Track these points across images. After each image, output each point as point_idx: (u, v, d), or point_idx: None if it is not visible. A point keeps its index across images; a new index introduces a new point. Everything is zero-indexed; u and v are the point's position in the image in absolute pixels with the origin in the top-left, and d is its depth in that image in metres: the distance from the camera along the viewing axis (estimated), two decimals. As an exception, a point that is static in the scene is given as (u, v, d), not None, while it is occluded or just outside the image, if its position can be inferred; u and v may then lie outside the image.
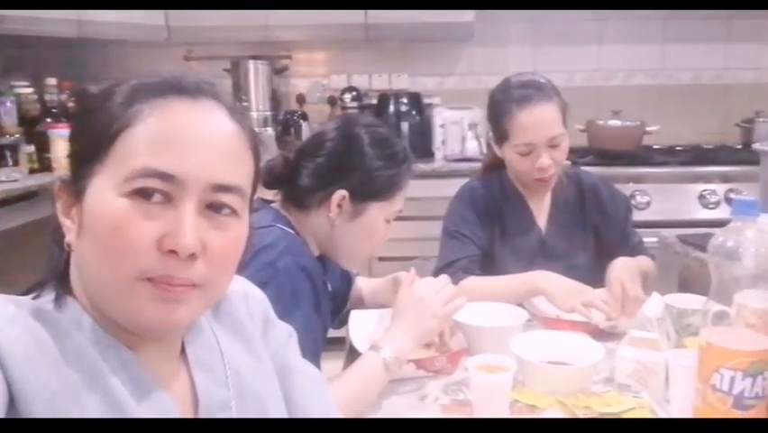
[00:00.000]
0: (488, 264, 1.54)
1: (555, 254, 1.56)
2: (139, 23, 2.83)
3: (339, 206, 1.15)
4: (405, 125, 3.02)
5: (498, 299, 1.34)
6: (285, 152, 1.20)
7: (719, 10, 2.89)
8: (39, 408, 0.52)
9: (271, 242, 1.08)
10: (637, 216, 2.47)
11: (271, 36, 2.97)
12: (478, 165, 1.82)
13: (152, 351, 0.64)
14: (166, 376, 0.65)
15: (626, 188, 2.55)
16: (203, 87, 0.64)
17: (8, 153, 2.44)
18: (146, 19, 2.83)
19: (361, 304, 1.43)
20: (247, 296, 0.78)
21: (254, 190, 0.69)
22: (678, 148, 3.03)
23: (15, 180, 2.37)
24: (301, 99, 3.19)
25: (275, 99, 3.17)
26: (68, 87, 2.83)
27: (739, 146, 3.07)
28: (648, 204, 2.63)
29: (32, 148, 2.57)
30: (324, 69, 3.29)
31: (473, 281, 1.45)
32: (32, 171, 2.54)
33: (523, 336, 1.18)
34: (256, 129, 0.70)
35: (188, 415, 0.66)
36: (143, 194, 0.58)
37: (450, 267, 1.48)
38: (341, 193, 1.14)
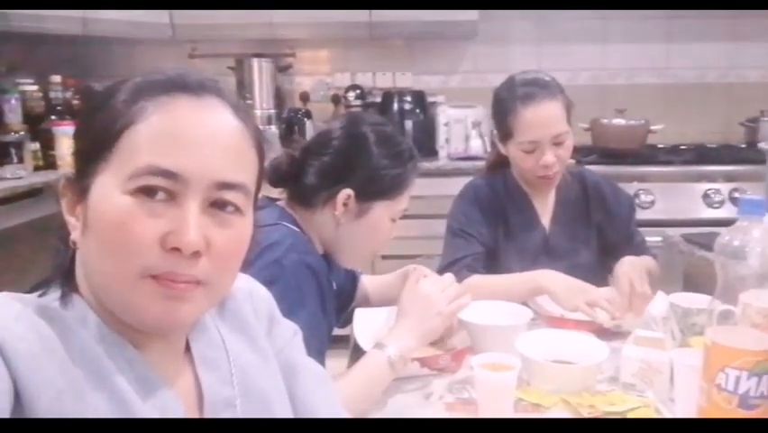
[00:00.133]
0: (491, 263, 1.55)
1: (559, 253, 1.56)
2: (143, 21, 2.83)
3: (344, 204, 1.15)
4: (409, 124, 3.02)
5: (502, 298, 1.35)
6: (290, 150, 1.20)
7: (722, 24, 2.89)
8: (44, 405, 0.53)
9: (277, 240, 1.08)
10: (641, 214, 2.47)
11: (275, 34, 2.97)
12: (482, 163, 1.83)
13: (157, 349, 0.64)
14: (171, 374, 0.65)
15: (630, 187, 2.54)
16: (207, 84, 0.64)
17: (13, 151, 2.45)
18: (151, 17, 2.83)
19: (366, 302, 1.43)
20: (252, 294, 0.78)
21: (258, 188, 0.69)
22: (682, 147, 3.03)
23: (20, 178, 2.37)
24: (305, 97, 3.19)
25: (279, 97, 3.18)
26: (72, 84, 2.84)
27: (743, 145, 3.07)
28: (652, 203, 2.63)
29: (36, 145, 2.58)
30: (328, 67, 3.29)
31: (477, 280, 1.45)
32: (36, 169, 2.54)
33: (527, 334, 1.18)
34: (260, 127, 0.70)
35: (193, 413, 0.66)
36: (147, 192, 0.58)
37: (454, 265, 1.48)
38: (346, 192, 1.14)
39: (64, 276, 0.63)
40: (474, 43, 3.20)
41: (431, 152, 2.98)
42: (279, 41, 3.12)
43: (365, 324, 1.27)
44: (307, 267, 1.08)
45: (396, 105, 3.08)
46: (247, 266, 0.69)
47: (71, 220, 0.63)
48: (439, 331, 1.14)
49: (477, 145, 2.94)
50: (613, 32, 3.23)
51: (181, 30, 2.93)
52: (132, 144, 0.59)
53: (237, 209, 0.63)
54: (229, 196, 0.62)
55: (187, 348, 0.69)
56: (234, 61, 3.09)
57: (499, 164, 1.64)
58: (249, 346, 0.74)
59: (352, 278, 1.42)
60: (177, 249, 0.58)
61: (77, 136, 0.64)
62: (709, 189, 2.64)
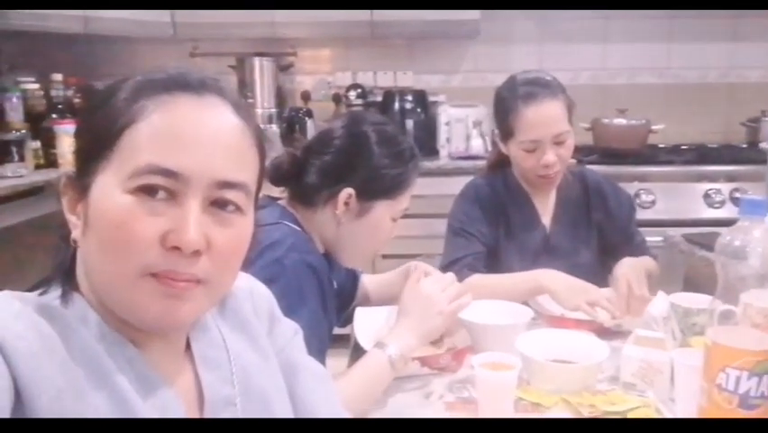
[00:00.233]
0: (492, 262, 1.55)
1: (560, 252, 1.56)
2: (145, 20, 2.83)
3: (346, 204, 1.15)
4: (410, 123, 3.02)
5: (503, 297, 1.35)
6: (292, 149, 1.20)
7: (723, 24, 2.89)
8: (45, 404, 0.53)
9: (278, 239, 1.08)
10: (642, 214, 2.47)
11: (277, 33, 2.97)
12: (482, 163, 1.83)
13: (157, 348, 0.64)
14: (171, 373, 0.65)
15: (631, 187, 2.54)
16: (207, 83, 0.64)
17: (14, 149, 2.45)
18: (152, 15, 2.83)
19: (367, 301, 1.43)
20: (252, 293, 0.78)
21: (259, 187, 0.69)
22: (683, 147, 3.03)
23: (21, 176, 2.37)
24: (306, 96, 3.19)
25: (280, 96, 3.18)
26: (74, 83, 2.84)
27: (744, 145, 3.07)
28: (653, 203, 2.63)
29: (37, 144, 2.58)
30: (330, 67, 3.29)
31: (478, 279, 1.45)
32: (37, 167, 2.54)
33: (528, 334, 1.18)
34: (261, 126, 0.70)
35: (193, 412, 0.66)
36: (148, 191, 0.58)
37: (455, 264, 1.49)
38: (348, 191, 1.14)
39: (65, 275, 0.63)
40: (476, 43, 3.20)
41: (432, 151, 2.98)
42: (281, 40, 3.12)
43: (365, 323, 1.27)
44: (308, 266, 1.08)
45: (397, 105, 3.08)
46: (248, 265, 0.69)
47: (72, 219, 0.63)
48: (440, 330, 1.15)
49: (478, 145, 2.93)
50: (614, 32, 3.23)
51: (182, 28, 2.93)
52: (133, 143, 0.59)
53: (238, 208, 0.63)
54: (230, 195, 0.62)
55: (188, 347, 0.69)
56: (236, 60, 3.09)
57: (500, 164, 1.65)
58: (249, 345, 0.74)
59: (353, 277, 1.43)
60: (177, 248, 0.58)
61: (78, 135, 0.64)
62: (710, 189, 2.64)
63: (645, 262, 1.52)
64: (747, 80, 3.24)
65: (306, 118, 3.07)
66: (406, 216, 1.24)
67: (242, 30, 2.94)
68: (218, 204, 0.62)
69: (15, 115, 2.56)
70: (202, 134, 0.61)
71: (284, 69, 3.20)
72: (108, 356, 0.59)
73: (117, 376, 0.59)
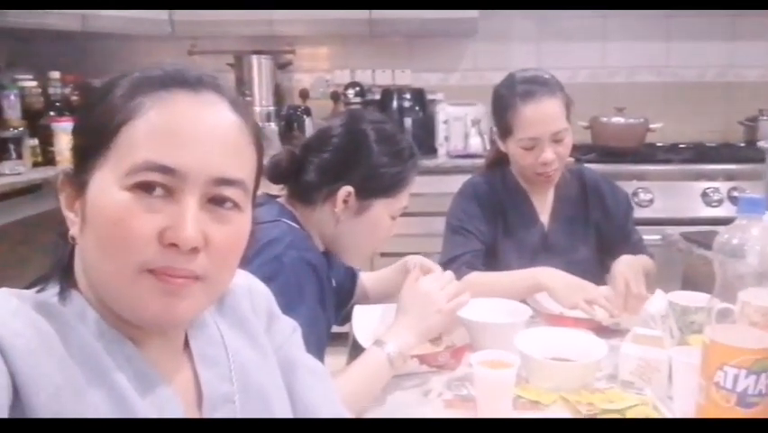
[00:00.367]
0: (490, 259, 1.55)
1: (558, 250, 1.56)
2: (143, 17, 2.83)
3: (345, 201, 1.15)
4: (408, 121, 3.02)
5: (501, 295, 1.35)
6: (290, 147, 1.20)
7: (722, 22, 2.89)
8: (43, 401, 0.53)
9: (277, 236, 1.08)
10: (640, 213, 2.47)
11: (275, 31, 2.97)
12: (481, 161, 1.83)
13: (156, 345, 0.64)
14: (169, 371, 0.65)
15: (629, 186, 2.55)
16: (205, 79, 0.63)
17: (12, 146, 2.44)
18: (150, 13, 2.83)
19: (365, 299, 1.43)
20: (251, 290, 0.78)
21: (257, 184, 0.69)
22: (681, 145, 3.03)
23: (19, 174, 2.37)
24: (304, 94, 3.19)
25: (278, 94, 3.17)
26: (71, 80, 2.83)
27: (743, 144, 3.07)
28: (651, 201, 2.63)
29: (35, 141, 2.57)
30: (328, 65, 3.29)
31: (476, 277, 1.45)
32: (35, 165, 2.54)
33: (526, 332, 1.19)
34: (259, 124, 0.70)
35: (192, 409, 0.66)
36: (145, 187, 0.58)
37: (453, 262, 1.49)
38: (346, 189, 1.14)
39: (63, 272, 0.63)
40: (474, 41, 3.20)
41: (430, 149, 2.98)
42: (279, 38, 3.11)
43: (364, 321, 1.27)
44: (307, 264, 1.08)
45: (395, 103, 3.08)
46: (246, 263, 0.69)
47: (70, 216, 0.62)
48: (439, 328, 1.15)
49: (476, 143, 2.94)
50: (613, 31, 3.23)
51: (181, 26, 2.93)
52: (130, 140, 0.59)
53: (235, 205, 0.63)
54: (227, 192, 0.62)
55: (186, 345, 0.69)
56: (234, 58, 3.09)
57: (498, 162, 1.65)
58: (248, 343, 0.74)
59: (352, 275, 1.43)
60: (175, 245, 0.58)
61: (76, 132, 0.64)
62: (708, 188, 2.64)
63: (643, 260, 1.52)
64: (745, 79, 3.24)
65: (305, 116, 3.07)
66: (404, 215, 1.24)
67: (240, 28, 2.94)
68: (216, 201, 0.61)
69: (13, 112, 2.56)
70: (199, 131, 0.60)
71: (282, 66, 3.20)
72: (107, 354, 0.59)
73: (116, 374, 0.59)
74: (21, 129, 2.51)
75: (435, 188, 2.26)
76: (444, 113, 3.00)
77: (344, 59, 3.27)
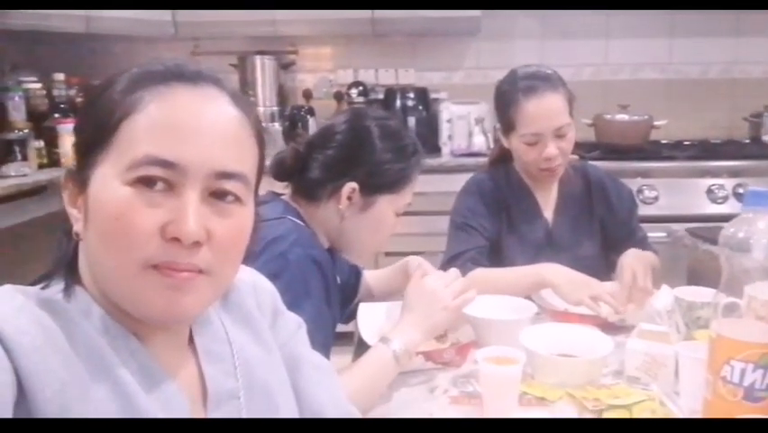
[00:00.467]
0: (495, 255, 1.55)
1: (562, 245, 1.56)
2: (146, 19, 2.83)
3: (349, 198, 1.15)
4: (411, 120, 3.02)
5: (506, 291, 1.35)
6: (295, 144, 1.20)
7: (726, 19, 2.88)
8: (48, 397, 0.53)
9: (282, 233, 1.08)
10: (645, 210, 2.46)
11: (278, 31, 2.97)
12: (485, 160, 1.83)
13: (161, 341, 0.64)
14: (174, 366, 0.65)
15: (634, 183, 2.54)
16: (204, 74, 0.64)
17: (17, 148, 2.46)
18: (153, 14, 2.83)
19: (370, 296, 1.43)
20: (255, 287, 0.78)
21: (259, 178, 0.68)
22: (686, 142, 3.02)
23: (24, 175, 2.38)
24: (308, 94, 3.19)
25: (282, 94, 3.18)
26: (76, 82, 2.84)
27: (747, 140, 3.06)
28: (656, 198, 2.63)
29: (40, 143, 2.58)
30: (331, 64, 3.29)
31: (480, 273, 1.45)
32: (40, 166, 2.55)
33: (532, 328, 1.18)
34: (262, 123, 0.69)
35: (197, 405, 0.66)
36: (146, 182, 0.58)
37: (457, 259, 1.49)
38: (351, 185, 1.14)
39: (67, 268, 0.63)
40: (477, 39, 3.20)
41: (434, 148, 2.98)
42: (282, 39, 3.12)
43: (369, 318, 1.27)
44: (312, 261, 1.08)
45: (398, 102, 3.08)
46: (252, 260, 0.69)
47: (73, 212, 0.62)
48: (444, 326, 1.15)
49: (480, 142, 2.93)
50: (616, 28, 3.22)
51: (184, 27, 2.93)
52: (131, 135, 0.59)
53: (237, 199, 0.62)
54: (228, 185, 0.61)
55: (191, 341, 0.69)
56: (237, 59, 3.09)
57: (502, 159, 1.65)
58: (253, 339, 0.74)
59: (356, 272, 1.43)
60: (177, 239, 0.58)
61: (77, 128, 0.64)
62: (713, 185, 2.63)
63: (648, 256, 1.52)
64: (750, 75, 3.23)
65: (308, 116, 3.07)
66: (408, 214, 1.24)
67: (243, 28, 2.95)
68: (217, 195, 0.61)
69: (18, 114, 2.57)
70: (199, 125, 0.60)
71: (285, 67, 3.20)
72: (111, 349, 0.59)
73: (120, 369, 0.59)
74: (26, 131, 2.52)
75: (439, 186, 2.25)
76: (448, 111, 2.99)
77: (347, 58, 3.27)
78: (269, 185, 1.21)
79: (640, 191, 2.60)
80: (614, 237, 1.61)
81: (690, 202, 2.63)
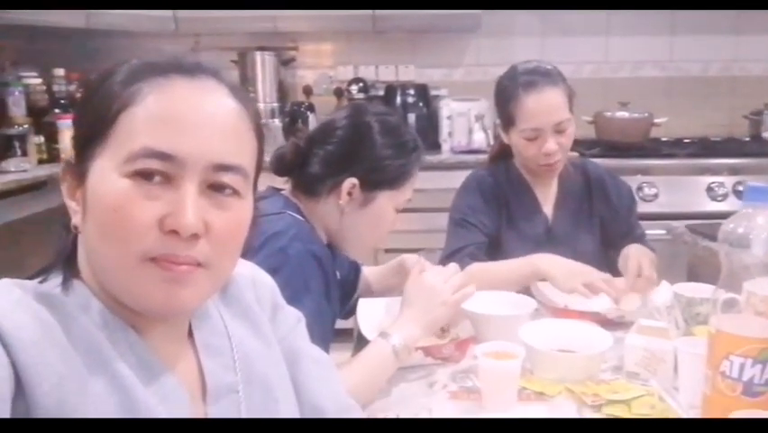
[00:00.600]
0: (494, 251, 1.55)
1: (562, 240, 1.56)
2: (146, 14, 2.83)
3: (349, 193, 1.15)
4: (412, 117, 3.02)
5: (501, 283, 1.35)
6: (295, 139, 1.20)
7: (726, 17, 2.88)
8: (46, 391, 0.53)
9: (282, 228, 1.08)
10: (645, 207, 2.47)
11: (278, 27, 2.97)
12: (485, 157, 1.83)
13: (160, 334, 0.64)
14: (173, 360, 0.65)
15: (634, 180, 2.54)
16: (203, 66, 0.63)
17: (17, 144, 2.45)
18: (154, 10, 2.83)
19: (368, 293, 1.43)
20: (255, 281, 0.78)
21: (258, 172, 0.68)
22: (686, 140, 3.02)
23: (24, 171, 2.38)
24: (308, 91, 3.19)
25: (282, 91, 3.18)
26: (76, 77, 2.84)
27: (747, 138, 3.06)
28: (656, 196, 2.63)
29: (40, 139, 2.58)
30: (331, 61, 3.29)
31: (476, 267, 1.44)
32: (40, 162, 2.54)
33: (531, 324, 1.19)
34: (263, 121, 0.69)
35: (196, 399, 0.66)
36: (144, 175, 0.58)
37: (456, 255, 1.49)
38: (351, 181, 1.14)
39: (66, 262, 0.63)
40: (477, 36, 3.20)
41: (434, 145, 2.98)
42: (282, 35, 3.11)
43: (369, 313, 1.27)
44: (312, 256, 1.08)
45: (399, 99, 3.08)
46: (252, 254, 0.69)
47: (72, 205, 0.62)
48: (443, 320, 1.15)
49: (480, 138, 2.93)
50: (616, 25, 3.22)
51: (184, 23, 2.93)
52: (129, 127, 0.59)
53: (235, 192, 0.62)
54: (226, 178, 0.61)
55: (190, 334, 0.69)
56: (237, 55, 3.09)
57: (502, 155, 1.65)
58: (252, 333, 0.74)
59: (356, 268, 1.43)
60: (175, 232, 0.58)
61: (76, 121, 0.64)
62: (713, 183, 2.63)
63: (649, 252, 1.52)
64: (750, 73, 3.23)
65: (308, 113, 3.07)
66: (408, 211, 1.24)
67: (243, 24, 2.94)
68: (215, 187, 0.61)
69: (18, 109, 2.56)
70: (198, 117, 0.60)
71: (286, 63, 3.20)
72: (110, 343, 0.59)
73: (118, 363, 0.59)
74: (26, 126, 2.51)
75: (439, 183, 2.26)
76: (448, 108, 2.99)
77: (348, 55, 3.26)
78: (270, 180, 1.21)
79: (640, 189, 2.60)
80: (613, 234, 1.61)
81: (690, 200, 2.63)
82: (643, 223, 1.71)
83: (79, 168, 0.61)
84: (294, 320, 0.81)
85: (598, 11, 3.11)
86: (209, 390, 0.67)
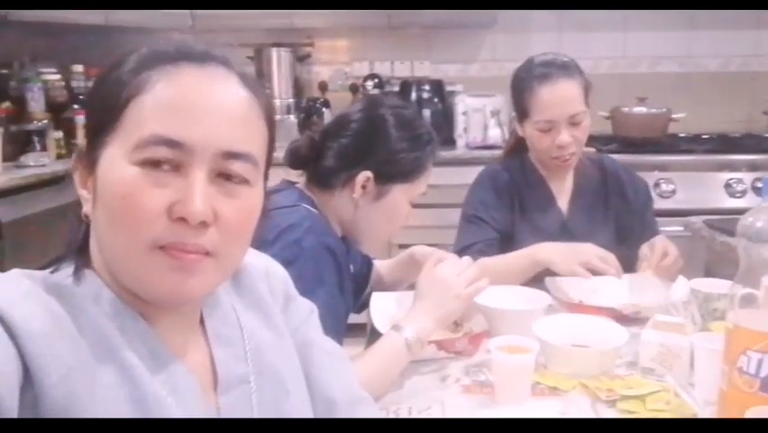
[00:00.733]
0: (508, 246, 1.53)
1: (576, 235, 1.54)
2: (164, 11, 2.85)
3: (363, 187, 1.15)
4: (427, 113, 3.02)
5: (504, 276, 1.33)
6: (310, 132, 1.21)
7: (746, 10, 2.84)
8: (54, 383, 0.52)
9: (296, 221, 1.09)
10: (662, 204, 2.44)
11: (294, 23, 2.98)
12: (500, 153, 1.82)
13: (170, 324, 0.64)
14: (184, 349, 0.65)
15: (651, 176, 2.52)
16: (213, 53, 0.63)
17: (36, 139, 2.49)
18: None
19: (381, 285, 1.43)
20: (268, 272, 0.78)
21: (269, 160, 0.68)
22: (704, 136, 2.98)
23: (43, 165, 2.41)
24: (323, 87, 3.20)
25: (297, 87, 3.19)
26: (94, 73, 2.87)
27: (766, 134, 3.01)
28: (673, 192, 2.60)
29: (59, 134, 2.61)
30: (347, 57, 3.29)
31: (482, 262, 1.44)
32: (59, 157, 2.58)
33: (545, 319, 1.18)
34: (278, 117, 0.69)
35: (208, 390, 0.66)
36: (153, 162, 0.58)
37: (465, 252, 1.47)
38: (365, 174, 1.14)
39: (77, 251, 0.63)
40: (493, 32, 3.18)
41: (449, 141, 2.97)
42: (298, 31, 3.12)
43: (382, 306, 1.27)
44: (326, 248, 1.08)
45: (414, 94, 3.08)
46: (266, 247, 0.69)
47: (83, 193, 0.63)
48: (457, 314, 1.14)
49: (495, 134, 2.92)
50: (634, 20, 3.18)
51: (201, 19, 2.95)
52: (138, 114, 0.59)
53: (245, 180, 0.62)
54: (235, 166, 0.61)
55: (202, 323, 0.69)
56: (253, 51, 3.10)
57: (517, 149, 1.64)
58: (264, 324, 0.73)
59: (368, 262, 1.43)
60: (183, 219, 0.57)
61: (87, 109, 0.65)
62: (731, 179, 2.60)
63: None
64: (770, 69, 3.19)
65: (324, 108, 3.08)
66: (423, 206, 1.24)
67: (259, 20, 2.95)
68: (224, 175, 0.61)
69: (37, 105, 2.60)
70: (206, 104, 0.60)
71: (301, 59, 3.21)
72: (120, 333, 0.59)
73: (128, 353, 0.59)
74: (45, 122, 2.55)
75: (454, 179, 2.24)
76: (463, 104, 2.98)
77: (363, 51, 3.26)
78: (284, 173, 1.21)
79: (657, 185, 2.57)
80: (628, 230, 1.60)
81: (708, 196, 2.60)
82: (660, 219, 1.69)
83: (90, 156, 0.61)
84: (306, 312, 0.81)
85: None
86: (220, 380, 0.66)
